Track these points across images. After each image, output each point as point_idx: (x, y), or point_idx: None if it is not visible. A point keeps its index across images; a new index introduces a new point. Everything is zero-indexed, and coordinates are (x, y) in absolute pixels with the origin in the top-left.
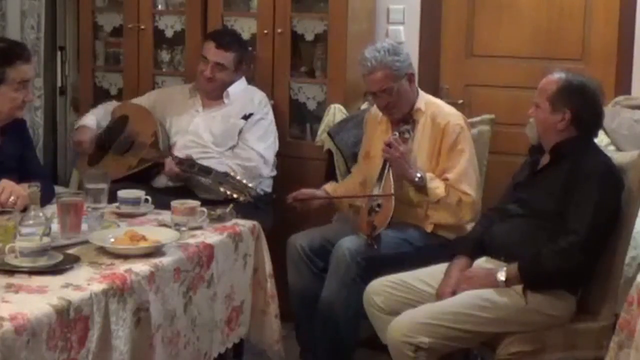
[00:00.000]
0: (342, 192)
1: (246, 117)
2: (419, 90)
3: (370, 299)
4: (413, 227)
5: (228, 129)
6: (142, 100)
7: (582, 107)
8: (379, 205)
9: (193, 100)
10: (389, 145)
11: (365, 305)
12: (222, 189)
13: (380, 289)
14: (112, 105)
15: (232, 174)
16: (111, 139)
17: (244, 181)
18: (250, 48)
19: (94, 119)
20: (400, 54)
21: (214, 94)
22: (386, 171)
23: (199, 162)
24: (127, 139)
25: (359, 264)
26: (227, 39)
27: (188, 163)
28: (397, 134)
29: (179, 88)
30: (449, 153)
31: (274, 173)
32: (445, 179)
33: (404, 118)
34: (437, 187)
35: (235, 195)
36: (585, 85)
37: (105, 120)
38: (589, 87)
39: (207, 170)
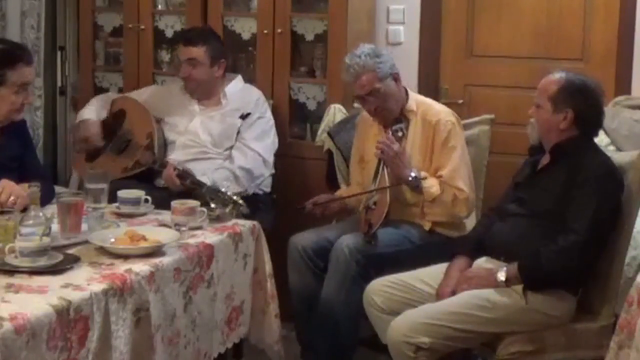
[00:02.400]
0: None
1: (244, 117)
2: (409, 90)
3: (370, 299)
4: (412, 225)
5: (226, 130)
6: (140, 94)
7: (584, 106)
8: (374, 203)
9: (189, 99)
10: (383, 144)
11: (365, 305)
12: (212, 205)
13: (380, 289)
14: (109, 97)
15: (223, 189)
16: (108, 134)
17: (234, 197)
18: (250, 48)
19: (94, 111)
20: (381, 55)
21: (199, 95)
22: (381, 170)
23: (198, 163)
24: (123, 136)
25: (358, 262)
26: (192, 34)
27: (183, 174)
28: (390, 133)
29: (176, 86)
30: (442, 150)
31: (272, 171)
32: (439, 177)
33: (395, 119)
34: (431, 185)
35: (219, 210)
36: (587, 85)
37: (102, 113)
38: (590, 86)
39: (200, 184)
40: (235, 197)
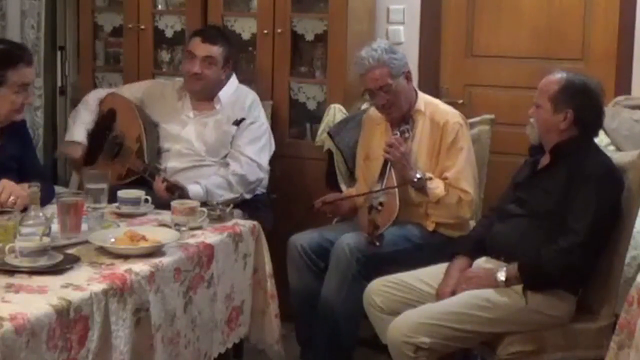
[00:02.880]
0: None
1: (237, 123)
2: (417, 90)
3: (370, 299)
4: (414, 225)
5: (220, 138)
6: (133, 90)
7: (584, 106)
8: (380, 204)
9: (182, 102)
10: (390, 145)
11: (365, 305)
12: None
13: (380, 289)
14: (97, 96)
15: (215, 202)
16: (100, 135)
17: (222, 206)
18: (250, 48)
19: (84, 131)
20: (397, 52)
21: (202, 95)
22: (387, 171)
23: (194, 170)
24: (115, 139)
25: (359, 261)
26: (212, 32)
27: (172, 188)
28: (397, 133)
29: (170, 85)
30: (448, 151)
31: (268, 169)
32: (445, 178)
33: (403, 118)
34: (436, 187)
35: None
36: (587, 85)
37: (91, 119)
38: (591, 86)
39: (187, 198)
40: (227, 209)
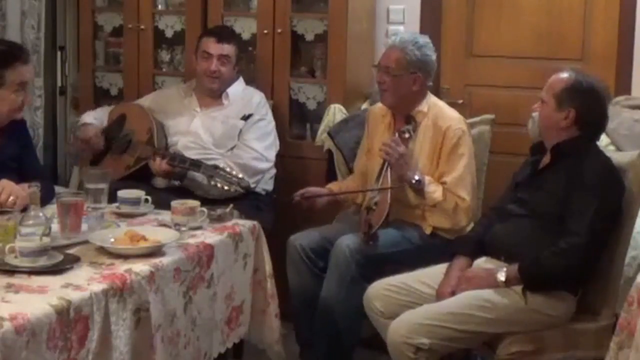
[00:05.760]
0: (345, 190)
1: (245, 118)
2: (428, 93)
3: (371, 304)
4: (412, 227)
5: (228, 131)
6: (139, 102)
7: (588, 108)
8: (375, 204)
9: (189, 100)
10: (387, 145)
11: (367, 310)
12: (212, 182)
13: (380, 292)
14: (108, 108)
15: (222, 165)
16: (111, 139)
17: (234, 172)
18: (250, 48)
19: (92, 116)
20: (426, 54)
21: (216, 93)
22: (384, 170)
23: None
24: (125, 137)
25: (358, 262)
26: (225, 31)
27: (179, 159)
28: (397, 134)
29: (174, 89)
30: (449, 156)
31: (274, 171)
32: (443, 183)
33: (406, 118)
34: (434, 191)
35: (226, 187)
36: (594, 87)
37: (103, 121)
38: (597, 89)
39: (197, 164)
40: (234, 172)
